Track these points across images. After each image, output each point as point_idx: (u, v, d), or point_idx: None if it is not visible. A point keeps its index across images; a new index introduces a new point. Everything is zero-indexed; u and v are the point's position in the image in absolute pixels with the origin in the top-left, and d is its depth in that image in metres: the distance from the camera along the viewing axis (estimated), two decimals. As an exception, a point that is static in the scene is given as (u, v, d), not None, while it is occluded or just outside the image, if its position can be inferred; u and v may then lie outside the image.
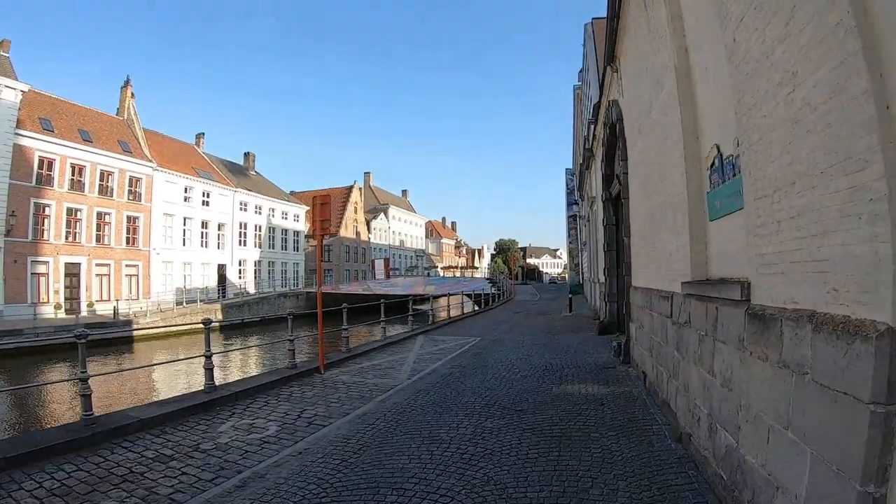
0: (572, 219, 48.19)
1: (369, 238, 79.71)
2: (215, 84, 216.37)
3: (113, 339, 30.90)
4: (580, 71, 34.09)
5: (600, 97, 17.14)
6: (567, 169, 54.45)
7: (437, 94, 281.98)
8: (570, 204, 49.97)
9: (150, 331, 33.13)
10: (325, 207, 11.63)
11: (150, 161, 45.23)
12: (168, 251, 46.16)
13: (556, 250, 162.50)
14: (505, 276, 64.47)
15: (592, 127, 19.61)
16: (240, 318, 41.27)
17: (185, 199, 48.07)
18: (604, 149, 15.42)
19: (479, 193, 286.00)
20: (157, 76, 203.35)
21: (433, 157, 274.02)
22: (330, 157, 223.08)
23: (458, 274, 75.52)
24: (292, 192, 77.11)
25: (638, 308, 9.36)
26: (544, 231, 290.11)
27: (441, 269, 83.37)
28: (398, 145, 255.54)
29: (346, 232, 72.50)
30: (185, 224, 48.03)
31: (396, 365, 11.92)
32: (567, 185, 52.35)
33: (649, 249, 8.37)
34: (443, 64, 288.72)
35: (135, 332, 33.22)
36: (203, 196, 49.79)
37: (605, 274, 15.68)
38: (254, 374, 18.54)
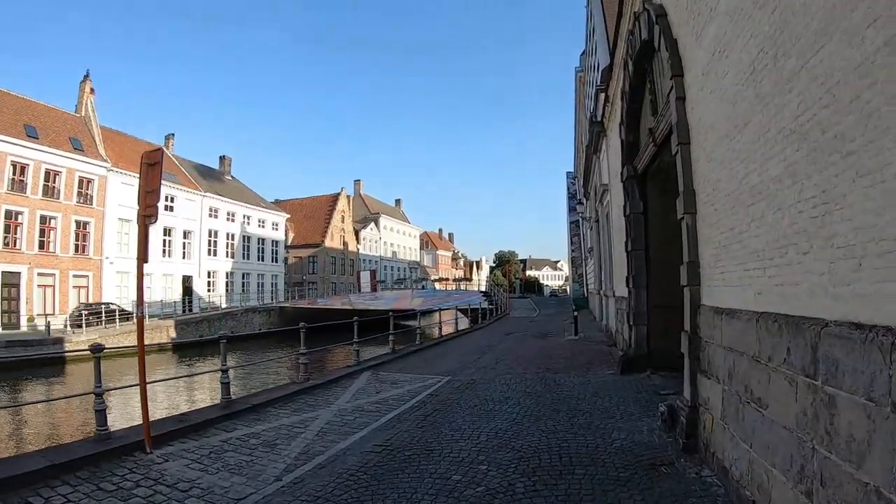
0: (575, 224, 43.47)
1: (358, 249, 74.90)
2: (201, 88, 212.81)
3: (37, 359, 26.33)
4: (581, 54, 29.97)
5: (612, 58, 12.50)
6: (568, 172, 49.91)
7: (437, 103, 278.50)
8: (571, 209, 45.35)
9: (83, 352, 28.34)
10: (154, 172, 6.81)
11: (105, 161, 40.63)
12: (123, 260, 41.35)
13: (557, 262, 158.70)
14: (503, 288, 59.41)
15: (602, 95, 14.91)
16: (197, 336, 36.57)
17: (146, 204, 43.16)
18: (624, 104, 10.64)
19: (479, 205, 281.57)
20: (153, 81, 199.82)
21: (431, 167, 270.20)
22: (324, 166, 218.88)
23: (450, 287, 70.61)
24: (277, 201, 72.59)
25: (730, 353, 4.46)
26: (545, 243, 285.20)
27: (432, 281, 78.41)
28: (395, 155, 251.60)
29: (332, 242, 67.70)
30: (145, 231, 43.13)
31: (285, 439, 7.05)
32: (568, 189, 47.80)
33: (775, 224, 3.51)
34: (441, 71, 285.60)
35: (67, 353, 28.32)
36: (166, 200, 45.07)
37: (628, 284, 10.83)
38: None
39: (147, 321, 36.28)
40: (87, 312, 32.43)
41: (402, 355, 14.90)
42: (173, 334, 35.86)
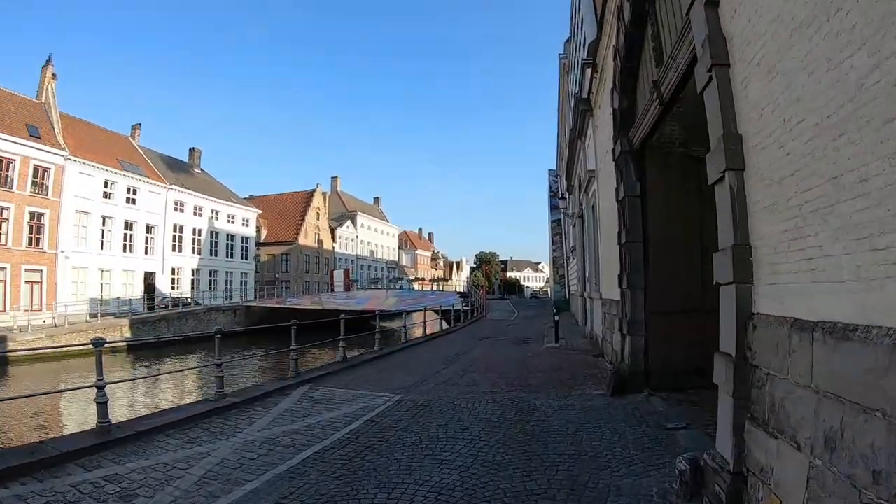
0: (556, 224, 41.62)
1: (334, 247, 72.50)
2: (181, 82, 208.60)
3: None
4: (566, 41, 28.10)
5: (600, 19, 10.58)
6: (550, 170, 48.18)
7: (417, 99, 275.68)
8: (553, 207, 43.56)
9: (29, 352, 26.11)
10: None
11: (63, 149, 38.05)
12: (81, 255, 38.95)
13: (539, 264, 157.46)
14: (483, 289, 57.34)
15: (588, 70, 12.97)
16: (154, 337, 34.15)
17: (105, 195, 40.87)
18: (618, 63, 8.73)
19: (459, 205, 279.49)
20: (133, 73, 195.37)
21: (411, 166, 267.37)
22: (302, 164, 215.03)
23: (426, 287, 68.53)
24: (251, 197, 70.01)
25: (833, 403, 2.44)
26: (527, 245, 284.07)
27: (409, 281, 76.26)
28: (375, 152, 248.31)
29: (307, 240, 65.27)
30: (103, 224, 40.90)
31: (151, 488, 5.11)
32: (550, 188, 46.08)
33: None
34: (421, 72, 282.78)
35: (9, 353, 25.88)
36: (128, 192, 42.60)
37: (620, 285, 8.86)
38: None
39: (100, 319, 34.10)
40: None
41: (353, 365, 12.80)
42: (128, 334, 33.40)
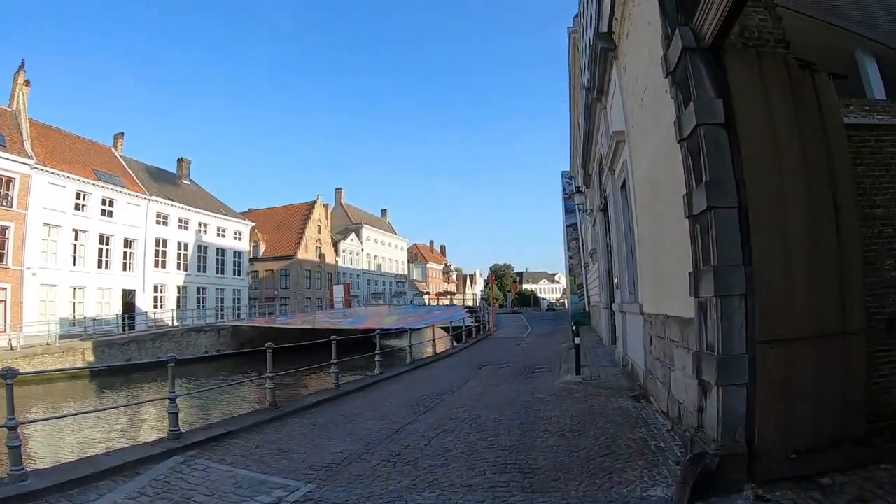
0: (572, 228, 37.61)
1: (337, 261, 68.71)
2: (178, 91, 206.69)
3: None
4: (575, 15, 24.32)
5: None
6: (563, 172, 44.17)
7: (432, 111, 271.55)
8: (567, 211, 39.59)
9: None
10: None
11: (29, 157, 34.84)
12: (50, 272, 35.66)
13: (555, 275, 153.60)
14: (494, 303, 53.07)
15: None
16: (123, 361, 30.45)
17: (78, 207, 37.67)
18: None
19: (475, 218, 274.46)
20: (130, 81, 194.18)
21: (424, 179, 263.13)
22: (307, 178, 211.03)
23: (433, 301, 64.59)
24: (250, 210, 66.76)
25: None
26: (543, 256, 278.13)
27: (413, 295, 72.38)
28: (385, 166, 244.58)
29: (307, 254, 61.59)
30: (76, 238, 37.65)
31: None
32: (564, 190, 42.06)
33: None
34: (432, 85, 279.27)
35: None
36: (103, 204, 39.33)
37: (696, 290, 4.78)
38: None
39: (59, 342, 30.54)
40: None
41: (283, 414, 8.84)
42: (91, 358, 29.74)
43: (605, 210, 15.43)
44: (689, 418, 5.48)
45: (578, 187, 22.92)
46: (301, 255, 60.49)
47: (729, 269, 4.36)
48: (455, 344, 21.67)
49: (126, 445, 8.75)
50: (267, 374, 9.28)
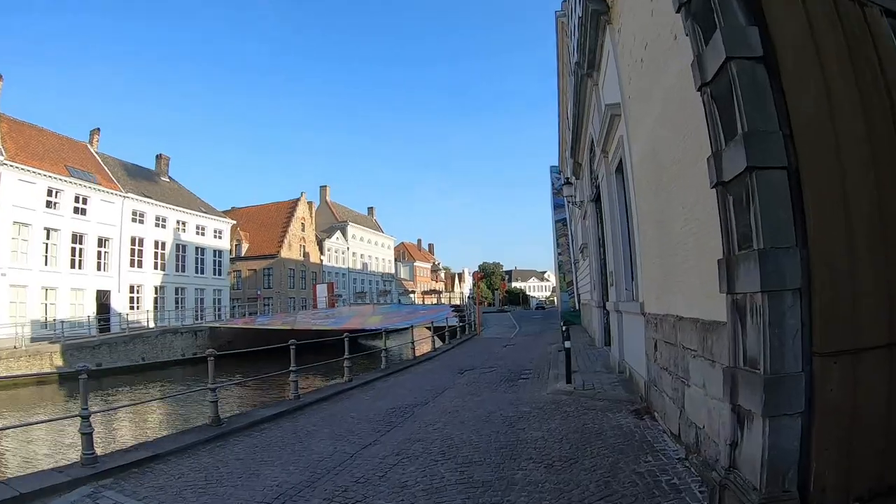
0: (561, 224, 36.49)
1: (322, 260, 67.23)
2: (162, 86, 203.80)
3: None
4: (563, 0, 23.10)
5: None
6: (552, 167, 42.96)
7: (414, 107, 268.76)
8: (556, 206, 38.41)
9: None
10: None
11: (-4, 153, 33.31)
12: (20, 272, 34.04)
13: (544, 273, 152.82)
14: (480, 301, 51.80)
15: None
16: (94, 365, 28.95)
17: (50, 205, 36.00)
18: None
19: (463, 217, 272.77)
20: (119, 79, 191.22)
21: (411, 177, 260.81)
22: (293, 175, 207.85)
23: (427, 300, 63.28)
24: (233, 209, 65.18)
25: None
26: (532, 254, 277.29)
27: (398, 294, 71.00)
28: (372, 163, 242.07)
29: (290, 252, 60.09)
30: (47, 237, 35.94)
31: None
32: (553, 185, 40.85)
33: None
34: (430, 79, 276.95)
35: None
36: (76, 202, 37.71)
37: (730, 284, 3.55)
38: None
39: (25, 346, 29.01)
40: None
41: (226, 432, 7.56)
42: (59, 362, 28.27)
43: (596, 200, 14.23)
44: (711, 449, 4.28)
45: (567, 178, 21.71)
46: (284, 253, 59.02)
47: (780, 254, 3.14)
48: (437, 346, 20.38)
49: (37, 470, 7.39)
50: (209, 386, 7.99)
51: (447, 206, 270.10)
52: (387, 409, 9.08)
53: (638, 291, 7.92)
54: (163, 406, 19.21)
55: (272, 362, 20.01)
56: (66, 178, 37.09)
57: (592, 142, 12.88)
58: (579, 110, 13.30)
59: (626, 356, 9.67)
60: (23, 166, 34.60)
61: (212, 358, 8.28)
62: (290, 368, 9.94)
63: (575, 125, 15.13)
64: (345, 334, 12.58)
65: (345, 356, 12.04)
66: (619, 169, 9.16)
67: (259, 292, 56.73)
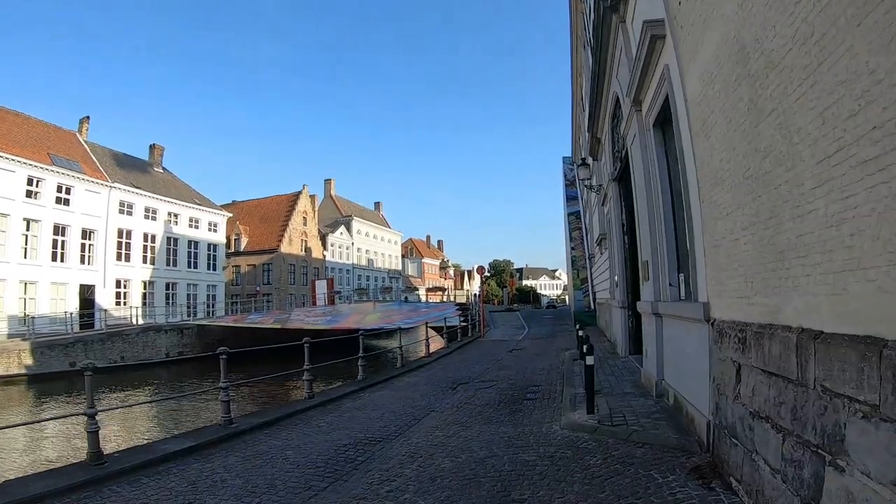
0: (575, 217, 33.86)
1: (325, 255, 64.82)
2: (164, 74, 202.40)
3: None
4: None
5: None
6: (564, 158, 40.33)
7: (427, 104, 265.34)
8: (570, 198, 35.84)
9: None
10: None
11: (-30, 139, 31.20)
12: (-5, 265, 31.86)
13: (555, 271, 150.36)
14: (486, 299, 49.16)
15: None
16: (66, 365, 26.69)
17: (30, 195, 33.88)
18: None
19: (476, 214, 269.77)
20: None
21: (422, 173, 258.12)
22: (299, 170, 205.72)
23: (434, 298, 60.82)
24: (234, 202, 63.03)
25: None
26: (544, 252, 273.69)
27: (401, 291, 68.45)
28: (381, 158, 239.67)
29: (290, 247, 57.76)
30: (27, 228, 33.87)
31: None
32: (565, 176, 38.24)
33: None
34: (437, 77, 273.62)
35: None
36: (59, 191, 35.56)
37: None
38: None
39: (5, 341, 26.91)
40: None
41: (173, 455, 5.14)
42: (29, 361, 26.06)
43: (619, 179, 11.68)
44: None
45: (584, 159, 19.12)
46: (284, 248, 56.71)
47: None
48: (431, 351, 17.82)
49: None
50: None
51: (458, 204, 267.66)
52: (341, 444, 6.59)
53: (696, 287, 5.38)
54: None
55: (263, 363, 18.85)
56: (49, 167, 34.95)
57: (617, 102, 10.30)
58: (600, 64, 10.72)
59: (667, 376, 7.10)
60: (1, 153, 32.50)
61: (88, 375, 5.87)
62: (220, 385, 7.46)
63: (594, 89, 12.54)
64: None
65: (304, 367, 9.55)
66: (660, 119, 6.64)
67: (258, 288, 54.47)
